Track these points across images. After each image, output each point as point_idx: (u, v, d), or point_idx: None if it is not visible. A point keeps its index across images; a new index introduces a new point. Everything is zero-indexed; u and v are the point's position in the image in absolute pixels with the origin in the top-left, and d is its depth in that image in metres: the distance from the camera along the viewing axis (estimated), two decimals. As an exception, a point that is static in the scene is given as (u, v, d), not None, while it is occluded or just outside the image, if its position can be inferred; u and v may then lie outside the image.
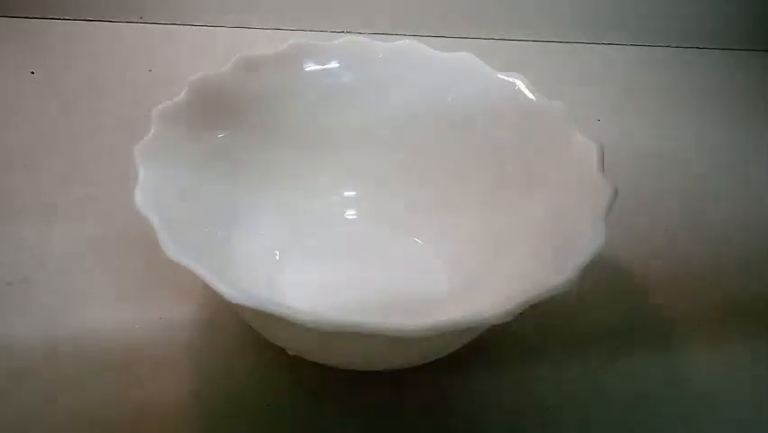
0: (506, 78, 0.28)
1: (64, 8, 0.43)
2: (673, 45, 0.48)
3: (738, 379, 0.25)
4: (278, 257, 0.27)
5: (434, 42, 0.29)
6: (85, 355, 0.24)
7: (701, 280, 0.29)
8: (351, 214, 0.30)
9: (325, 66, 0.28)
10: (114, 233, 0.28)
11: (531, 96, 0.27)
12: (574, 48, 0.47)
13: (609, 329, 0.27)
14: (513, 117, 0.27)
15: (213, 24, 0.44)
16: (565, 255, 0.20)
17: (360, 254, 0.28)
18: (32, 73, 0.38)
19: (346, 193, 0.29)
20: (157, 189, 0.21)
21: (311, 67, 0.28)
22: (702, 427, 0.24)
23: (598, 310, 0.27)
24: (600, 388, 0.25)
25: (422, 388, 0.24)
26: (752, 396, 0.25)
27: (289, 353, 0.22)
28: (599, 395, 0.24)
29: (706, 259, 0.30)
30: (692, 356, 0.26)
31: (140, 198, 0.20)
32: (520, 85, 0.27)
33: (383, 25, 0.44)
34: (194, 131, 0.25)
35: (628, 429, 0.23)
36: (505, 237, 0.26)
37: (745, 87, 0.45)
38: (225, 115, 0.26)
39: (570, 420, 0.23)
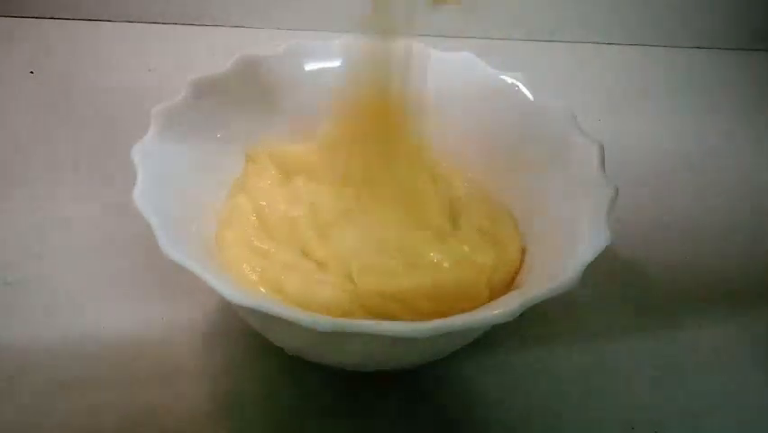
0: (506, 78, 0.28)
1: (64, 8, 0.43)
2: (673, 45, 0.47)
3: (741, 378, 0.25)
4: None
5: (434, 42, 0.29)
6: (84, 356, 0.24)
7: (703, 280, 0.29)
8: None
9: (326, 66, 0.28)
10: (113, 233, 0.28)
11: (531, 96, 0.27)
12: (574, 48, 0.46)
13: (610, 328, 0.27)
14: (513, 117, 0.27)
15: (213, 24, 0.44)
16: (566, 255, 0.20)
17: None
18: (32, 73, 0.38)
19: (346, 193, 0.29)
20: (156, 189, 0.21)
21: (311, 67, 0.28)
22: (702, 425, 0.24)
23: (598, 310, 0.27)
24: (601, 387, 0.25)
25: (423, 388, 0.24)
26: (754, 397, 0.25)
27: (289, 353, 0.22)
28: (601, 394, 0.24)
29: (707, 258, 0.30)
30: (695, 356, 0.26)
31: (139, 197, 0.20)
32: (520, 85, 0.27)
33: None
34: (193, 131, 0.25)
35: (629, 428, 0.23)
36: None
37: (745, 87, 0.45)
38: (225, 115, 0.26)
39: (571, 420, 0.23)
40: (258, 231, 0.24)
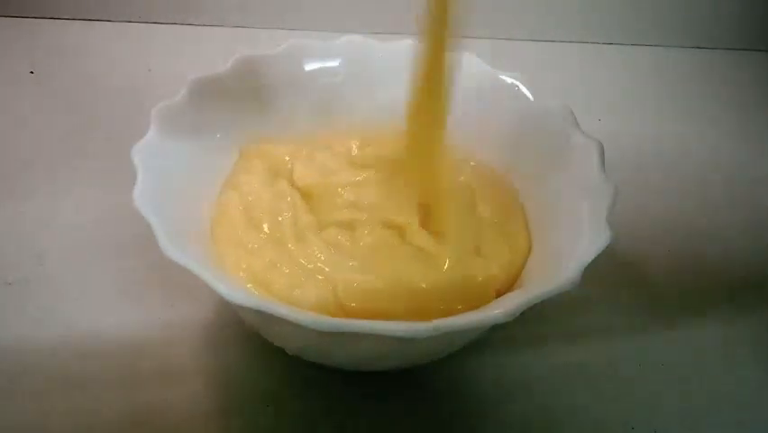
0: (506, 78, 0.28)
1: (64, 8, 0.43)
2: (673, 45, 0.48)
3: (741, 378, 0.25)
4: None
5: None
6: (84, 356, 0.24)
7: (703, 280, 0.29)
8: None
9: (325, 66, 0.28)
10: (113, 233, 0.28)
11: (531, 96, 0.27)
12: (574, 48, 0.47)
13: (611, 328, 0.27)
14: (513, 117, 0.27)
15: (213, 24, 0.44)
16: (567, 255, 0.20)
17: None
18: (32, 73, 0.38)
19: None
20: (156, 189, 0.21)
21: (311, 66, 0.28)
22: (702, 425, 0.24)
23: (598, 310, 0.27)
24: (601, 387, 0.25)
25: (423, 387, 0.24)
26: (754, 397, 0.25)
27: (289, 353, 0.22)
28: (600, 394, 0.24)
29: (707, 258, 0.30)
30: (695, 356, 0.26)
31: (139, 197, 0.20)
32: (520, 85, 0.27)
33: (383, 25, 0.44)
34: (193, 131, 0.25)
35: (629, 428, 0.23)
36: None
37: (745, 87, 0.45)
38: (225, 115, 0.26)
39: (571, 420, 0.23)
40: (246, 227, 0.23)
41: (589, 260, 0.19)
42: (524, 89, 0.27)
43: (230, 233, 0.23)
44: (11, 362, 0.23)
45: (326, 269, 0.22)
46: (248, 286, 0.22)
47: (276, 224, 0.24)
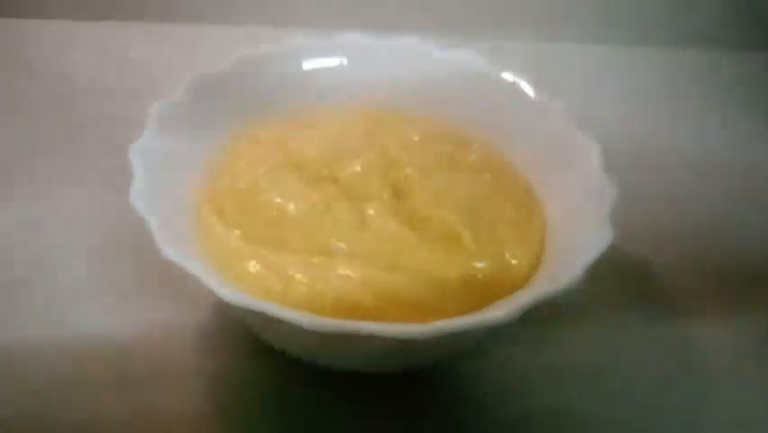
0: (506, 78, 0.28)
1: (64, 8, 0.43)
2: (675, 45, 0.47)
3: (742, 378, 0.25)
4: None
5: (435, 41, 0.29)
6: (84, 356, 0.24)
7: (704, 280, 0.29)
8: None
9: (326, 65, 0.28)
10: (113, 233, 0.28)
11: (531, 96, 0.27)
12: (574, 48, 0.46)
13: (611, 329, 0.27)
14: (513, 117, 0.27)
15: (213, 24, 0.44)
16: (568, 255, 0.20)
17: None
18: (31, 73, 0.38)
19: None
20: (154, 189, 0.21)
21: (311, 65, 0.28)
22: (702, 426, 0.24)
23: (599, 310, 0.27)
24: (602, 387, 0.24)
25: (423, 388, 0.24)
26: (755, 398, 0.25)
27: (288, 354, 0.22)
28: (601, 394, 0.24)
29: (708, 259, 0.30)
30: (696, 356, 0.26)
31: (136, 197, 0.20)
32: (520, 85, 0.27)
33: (384, 25, 0.43)
34: (192, 130, 0.25)
35: (629, 428, 0.23)
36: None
37: (745, 87, 0.44)
38: (224, 114, 0.26)
39: (571, 420, 0.23)
40: (228, 220, 0.23)
41: (591, 260, 0.19)
42: (524, 89, 0.27)
43: (218, 224, 0.23)
44: (11, 362, 0.23)
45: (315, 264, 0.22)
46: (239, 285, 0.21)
47: (267, 216, 0.23)
